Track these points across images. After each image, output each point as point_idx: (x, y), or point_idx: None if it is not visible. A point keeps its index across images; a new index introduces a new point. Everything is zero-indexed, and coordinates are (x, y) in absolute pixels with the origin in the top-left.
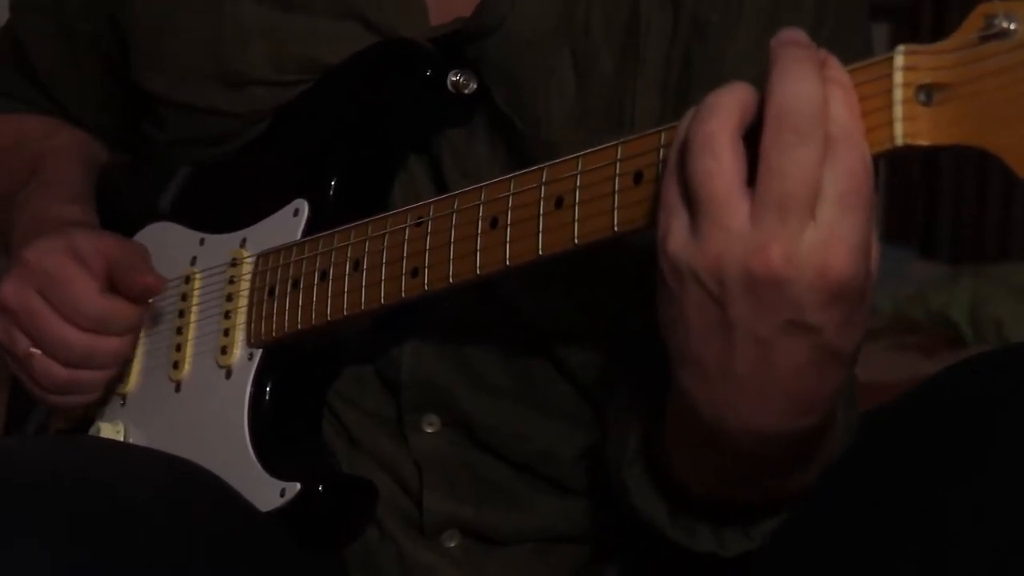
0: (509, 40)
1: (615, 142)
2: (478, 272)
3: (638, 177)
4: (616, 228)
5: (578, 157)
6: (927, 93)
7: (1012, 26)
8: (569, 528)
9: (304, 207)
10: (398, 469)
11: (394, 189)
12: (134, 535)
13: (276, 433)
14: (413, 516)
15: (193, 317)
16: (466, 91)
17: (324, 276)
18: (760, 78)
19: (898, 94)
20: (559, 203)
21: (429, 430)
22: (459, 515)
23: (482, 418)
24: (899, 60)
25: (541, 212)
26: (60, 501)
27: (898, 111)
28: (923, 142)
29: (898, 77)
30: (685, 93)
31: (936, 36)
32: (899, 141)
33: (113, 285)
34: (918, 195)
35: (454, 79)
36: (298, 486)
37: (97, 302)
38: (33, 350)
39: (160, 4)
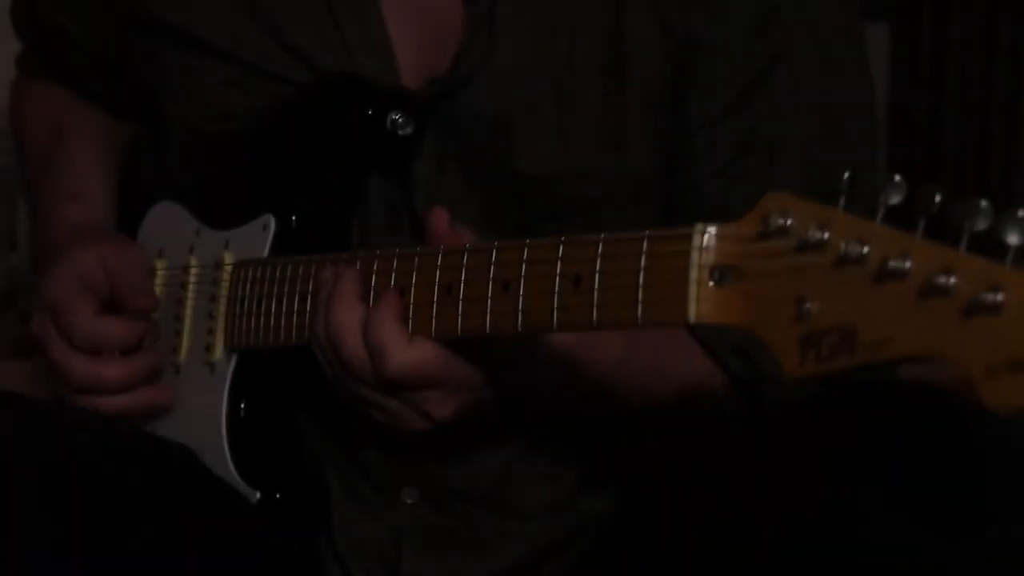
0: (487, 86)
1: (643, 233)
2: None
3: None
4: (640, 321)
5: (599, 240)
6: (722, 273)
7: (788, 222)
8: (532, 559)
9: (271, 223)
10: (375, 538)
11: (378, 226)
12: (108, 503)
13: (250, 434)
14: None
15: (189, 309)
16: (400, 132)
17: (280, 300)
18: (750, 87)
19: (693, 274)
20: (576, 282)
21: (409, 501)
22: (434, 571)
23: (460, 480)
24: (697, 240)
25: (557, 289)
26: (32, 466)
27: (692, 291)
28: (707, 322)
29: (694, 257)
30: (685, 103)
31: (936, 36)
32: (692, 319)
33: (113, 300)
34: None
35: (394, 118)
36: (258, 494)
37: (88, 323)
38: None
39: (180, 51)
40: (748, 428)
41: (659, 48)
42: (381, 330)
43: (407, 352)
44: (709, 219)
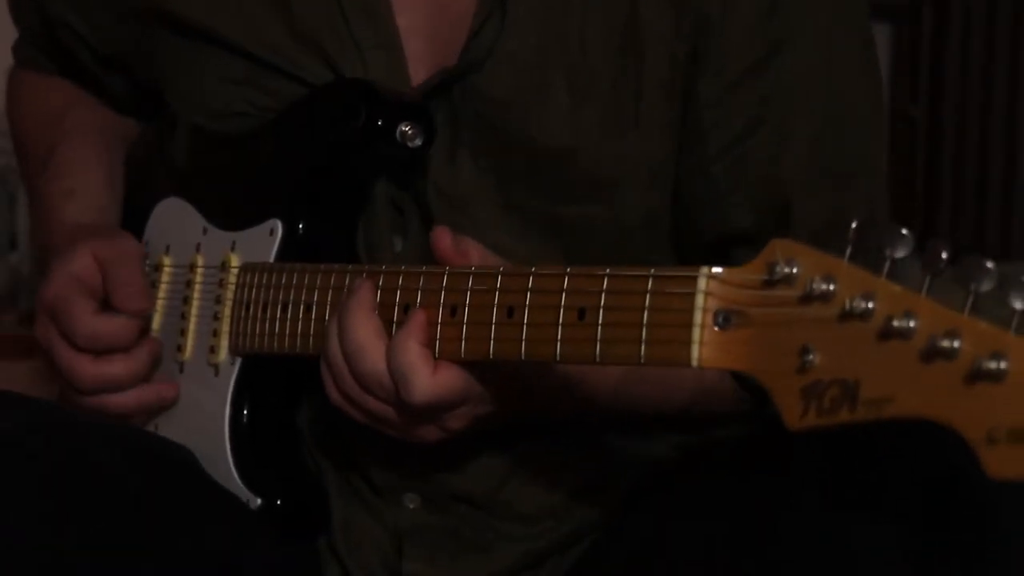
0: (499, 70)
1: (648, 271)
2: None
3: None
4: (643, 360)
5: (605, 274)
6: (726, 317)
7: (794, 270)
8: (533, 560)
9: (278, 228)
10: (376, 540)
11: (381, 226)
12: (113, 504)
13: (253, 439)
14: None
15: (194, 309)
16: (410, 144)
17: (285, 308)
18: (759, 63)
19: (697, 317)
20: (581, 315)
21: (411, 505)
22: (435, 573)
23: (460, 483)
24: (702, 283)
25: (562, 322)
26: (38, 466)
27: (696, 334)
28: (710, 366)
29: (699, 300)
30: (694, 85)
31: (936, 36)
32: (695, 363)
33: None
34: (918, 196)
35: (404, 129)
36: (259, 500)
37: (88, 324)
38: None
39: (173, 60)
40: (749, 434)
41: (673, 29)
42: (408, 356)
43: (433, 380)
44: (718, 207)
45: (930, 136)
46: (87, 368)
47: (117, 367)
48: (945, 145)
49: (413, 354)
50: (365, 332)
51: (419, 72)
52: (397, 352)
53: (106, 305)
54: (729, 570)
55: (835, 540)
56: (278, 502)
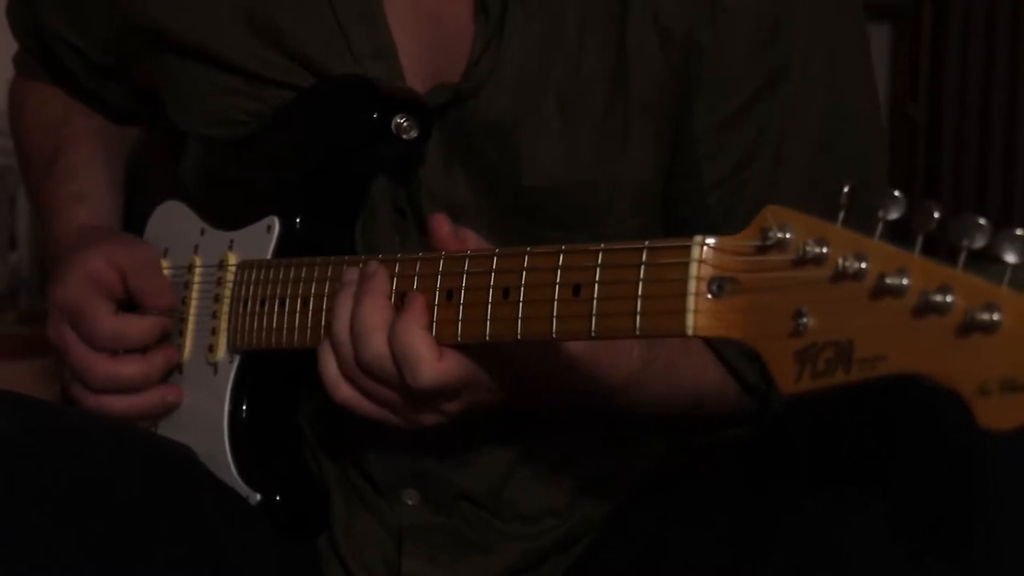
0: (494, 94)
1: (642, 244)
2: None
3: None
4: (638, 332)
5: (599, 249)
6: (719, 285)
7: (787, 235)
8: (534, 559)
9: (276, 224)
10: (377, 538)
11: (382, 227)
12: (115, 504)
13: (251, 436)
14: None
15: (192, 309)
16: (405, 136)
17: (282, 302)
18: (756, 95)
19: (692, 286)
20: (576, 291)
21: (410, 502)
22: (436, 571)
23: (462, 482)
24: (695, 252)
25: (557, 298)
26: (41, 465)
27: (690, 303)
28: (704, 335)
29: (693, 268)
30: (689, 113)
31: (936, 36)
32: (690, 332)
33: (130, 297)
34: (918, 195)
35: (399, 121)
36: (258, 496)
37: (111, 323)
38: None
39: (167, 69)
40: (748, 434)
41: (659, 56)
42: (412, 339)
43: (438, 365)
44: (711, 231)
45: (930, 136)
46: (100, 365)
47: (131, 368)
48: (945, 145)
49: (418, 338)
50: (377, 317)
51: (415, 87)
52: (401, 336)
53: (122, 307)
54: (730, 570)
55: (835, 541)
56: (277, 498)
